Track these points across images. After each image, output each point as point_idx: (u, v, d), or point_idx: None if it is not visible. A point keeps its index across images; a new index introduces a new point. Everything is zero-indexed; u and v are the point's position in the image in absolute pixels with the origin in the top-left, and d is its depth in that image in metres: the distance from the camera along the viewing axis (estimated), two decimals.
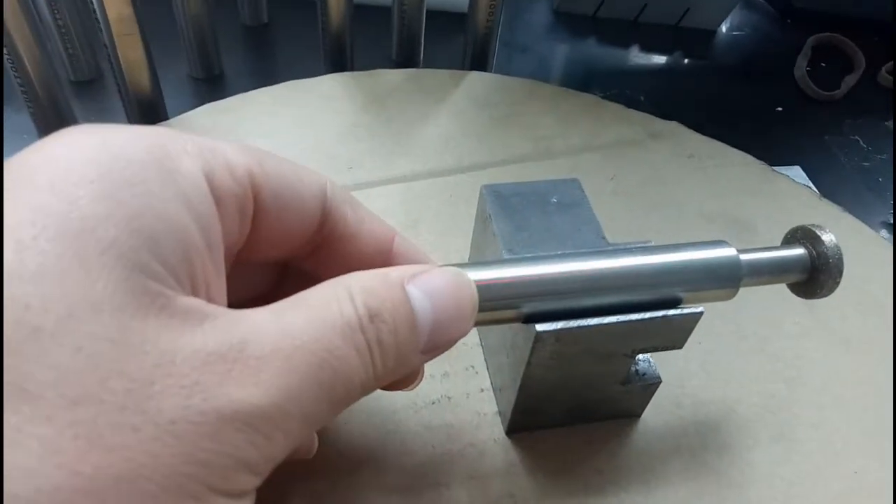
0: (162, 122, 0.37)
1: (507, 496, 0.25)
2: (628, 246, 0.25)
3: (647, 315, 0.22)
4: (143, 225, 0.14)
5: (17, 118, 0.40)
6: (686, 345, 0.29)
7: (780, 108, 0.48)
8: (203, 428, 0.14)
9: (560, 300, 0.22)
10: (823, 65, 0.52)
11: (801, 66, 0.51)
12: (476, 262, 0.23)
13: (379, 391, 0.27)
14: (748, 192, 0.38)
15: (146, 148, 0.16)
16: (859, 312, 0.33)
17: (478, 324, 0.23)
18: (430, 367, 0.29)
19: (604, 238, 0.26)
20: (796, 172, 0.41)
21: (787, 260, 0.25)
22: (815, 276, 0.25)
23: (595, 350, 0.23)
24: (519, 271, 0.22)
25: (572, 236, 0.26)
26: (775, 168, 0.40)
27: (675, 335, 0.24)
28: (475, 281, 0.22)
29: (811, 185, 0.41)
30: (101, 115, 0.41)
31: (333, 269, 0.20)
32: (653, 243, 0.25)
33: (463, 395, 0.28)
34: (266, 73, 0.47)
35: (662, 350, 0.24)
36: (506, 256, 0.25)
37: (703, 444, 0.27)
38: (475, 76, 0.43)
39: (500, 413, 0.27)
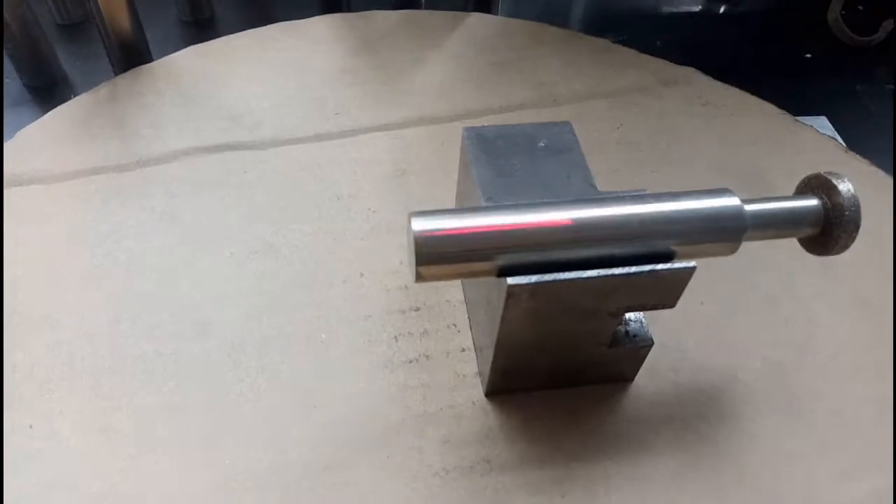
0: (143, 66, 0.36)
1: (482, 462, 0.24)
2: (618, 194, 0.22)
3: (633, 269, 0.20)
4: None
5: None
6: (686, 305, 0.27)
7: (808, 55, 0.44)
8: None
9: (537, 252, 0.20)
10: (861, 7, 0.48)
11: (835, 9, 0.47)
12: (447, 209, 0.21)
13: (355, 349, 0.26)
14: (767, 143, 0.35)
15: None
16: (881, 275, 0.30)
17: (447, 277, 0.21)
18: (408, 325, 0.27)
19: (594, 186, 0.23)
20: (822, 123, 0.38)
21: (798, 211, 0.22)
22: (828, 229, 0.22)
23: (575, 307, 0.21)
24: (492, 220, 0.20)
25: (559, 183, 0.23)
26: (798, 118, 0.37)
27: (664, 292, 0.21)
28: (443, 230, 0.20)
29: (837, 136, 0.37)
30: (86, 60, 0.40)
31: None
32: (648, 192, 0.23)
33: (443, 355, 0.26)
34: (260, 16, 0.45)
35: (652, 309, 0.22)
36: (484, 204, 0.23)
37: (699, 413, 0.25)
38: (476, 18, 0.40)
39: (480, 374, 0.26)
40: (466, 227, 0.20)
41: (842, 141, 0.37)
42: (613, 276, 0.20)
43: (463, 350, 0.26)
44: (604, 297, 0.21)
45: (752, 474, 0.24)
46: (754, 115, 0.37)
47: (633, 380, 0.26)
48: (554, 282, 0.20)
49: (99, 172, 0.31)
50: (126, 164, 0.31)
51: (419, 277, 0.20)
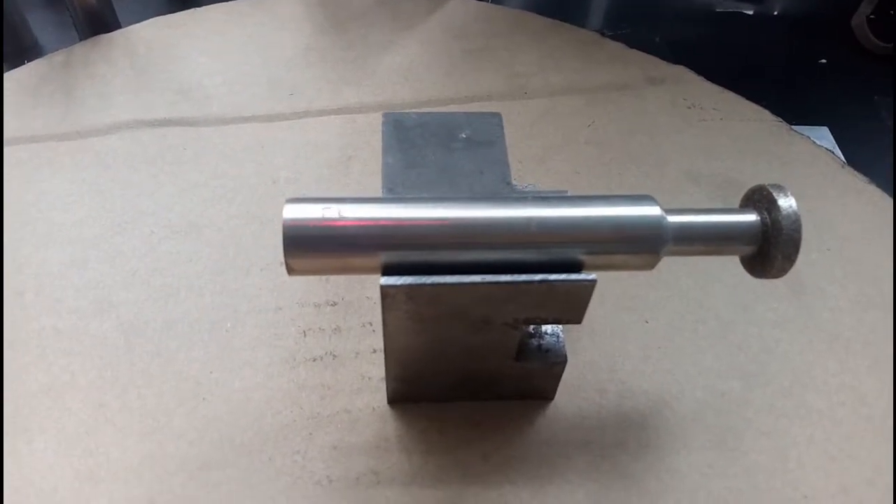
0: (103, 35, 0.35)
1: (370, 473, 0.22)
2: (527, 194, 0.20)
3: (521, 278, 0.18)
4: None
5: None
6: (629, 322, 0.25)
7: (823, 61, 0.41)
8: None
9: (417, 251, 0.18)
10: (893, 12, 0.44)
11: (862, 12, 0.43)
12: (328, 197, 0.19)
13: (259, 341, 0.25)
14: (754, 152, 0.32)
15: None
16: (857, 304, 0.27)
17: (322, 271, 0.19)
18: (320, 320, 0.25)
19: (509, 183, 0.21)
20: (821, 134, 0.35)
21: (732, 226, 0.20)
22: (765, 248, 0.20)
23: (464, 315, 0.19)
24: (370, 212, 0.18)
25: (470, 179, 0.21)
26: (795, 127, 0.33)
27: (564, 306, 0.19)
28: (316, 219, 0.18)
29: (836, 149, 0.34)
30: (57, 28, 0.39)
31: None
32: (569, 193, 0.20)
33: (351, 354, 0.25)
34: None
35: (555, 323, 0.20)
36: (383, 196, 0.21)
37: (620, 440, 0.23)
38: (458, 2, 0.38)
39: (385, 379, 0.24)
40: (341, 219, 0.18)
41: (840, 154, 0.33)
42: (499, 283, 0.18)
43: (374, 351, 0.25)
44: (494, 306, 0.19)
45: None
46: (746, 121, 0.34)
47: (553, 398, 0.24)
48: (432, 285, 0.18)
49: (37, 140, 0.30)
50: (66, 134, 0.31)
51: (290, 269, 0.18)
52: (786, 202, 0.19)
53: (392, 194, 0.21)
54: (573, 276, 0.18)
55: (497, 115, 0.23)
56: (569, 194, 0.20)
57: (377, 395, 0.24)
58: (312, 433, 0.23)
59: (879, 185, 0.31)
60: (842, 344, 0.26)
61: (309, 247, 0.18)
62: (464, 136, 0.23)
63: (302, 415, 0.23)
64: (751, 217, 0.20)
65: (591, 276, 0.18)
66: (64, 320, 0.25)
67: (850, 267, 0.28)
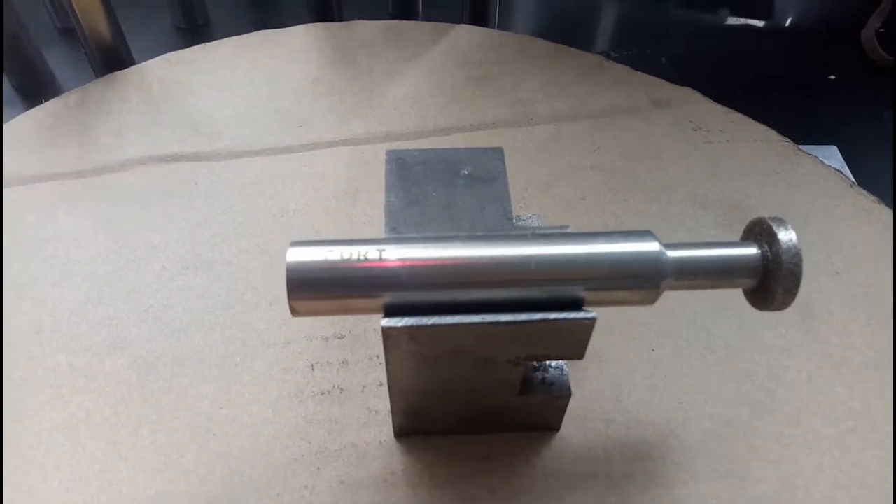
0: (117, 72, 0.36)
1: None
2: (528, 231, 0.20)
3: (521, 317, 0.18)
4: None
5: None
6: (635, 351, 0.25)
7: (832, 77, 0.41)
8: None
9: (417, 292, 0.19)
10: None
11: (872, 26, 0.43)
12: (332, 240, 0.19)
13: (267, 376, 0.25)
14: (761, 173, 0.32)
15: None
16: (868, 328, 0.27)
17: (325, 312, 0.19)
18: (328, 353, 0.26)
19: (510, 219, 0.21)
20: (830, 153, 0.35)
21: (732, 260, 0.20)
22: (766, 282, 0.20)
23: (468, 353, 0.20)
24: (375, 254, 0.19)
25: (471, 215, 0.22)
26: (803, 147, 0.33)
27: (564, 343, 0.19)
28: (318, 262, 0.18)
29: (846, 168, 0.34)
30: (74, 64, 0.40)
31: None
32: (570, 229, 0.21)
33: (358, 388, 0.25)
34: (255, 22, 0.44)
35: (556, 359, 0.20)
36: (385, 235, 0.21)
37: (626, 472, 0.23)
38: (462, 30, 0.39)
39: (391, 414, 0.24)
40: (343, 262, 0.19)
41: (849, 173, 0.33)
42: (499, 323, 0.18)
43: (381, 384, 0.25)
44: (496, 345, 0.19)
45: None
46: (752, 141, 0.34)
47: (559, 429, 0.24)
48: (434, 325, 0.18)
49: (55, 178, 0.31)
50: (82, 171, 0.31)
51: (294, 311, 0.19)
52: (786, 235, 0.19)
53: (394, 233, 0.21)
54: (573, 315, 0.18)
55: (499, 150, 0.24)
56: (569, 230, 0.20)
57: (384, 429, 0.24)
58: (320, 468, 0.23)
59: (888, 204, 0.31)
60: (851, 369, 0.25)
61: (312, 290, 0.19)
62: (466, 172, 0.23)
63: (310, 450, 0.23)
64: (751, 251, 0.20)
65: (592, 313, 0.19)
66: (79, 357, 0.25)
67: (859, 290, 0.28)
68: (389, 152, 0.23)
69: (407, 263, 0.19)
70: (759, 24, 0.45)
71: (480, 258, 0.19)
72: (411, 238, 0.19)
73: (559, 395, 0.22)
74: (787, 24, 0.45)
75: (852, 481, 0.23)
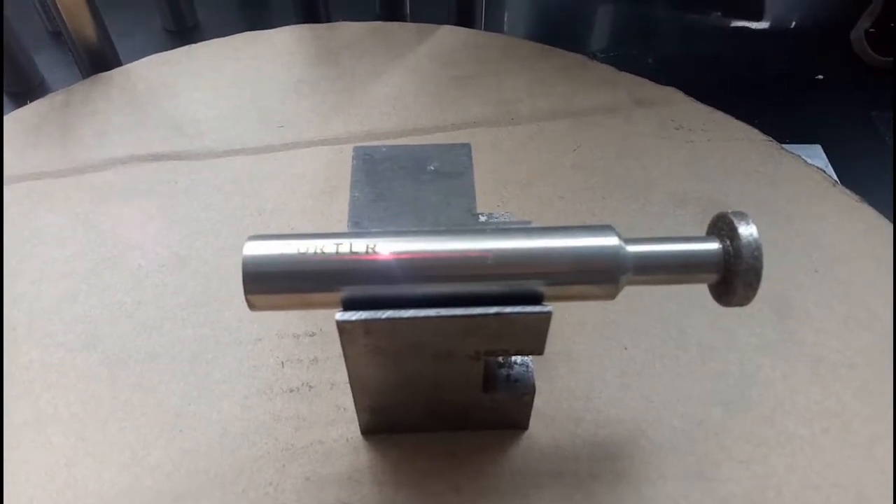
0: (102, 73, 0.36)
1: None
2: (488, 226, 0.20)
3: (476, 311, 0.18)
4: None
5: None
6: (606, 348, 0.25)
7: (820, 77, 0.40)
8: None
9: (373, 286, 0.19)
10: (893, 25, 0.43)
11: (861, 26, 0.43)
12: (289, 234, 0.19)
13: (237, 373, 0.25)
14: (742, 172, 0.32)
15: None
16: (846, 327, 0.26)
17: (283, 307, 0.19)
18: (299, 350, 0.26)
19: (474, 214, 0.21)
20: (814, 152, 0.34)
21: (692, 255, 0.20)
22: (728, 277, 0.19)
23: (426, 348, 0.19)
24: (332, 248, 0.19)
25: (436, 211, 0.21)
26: (787, 146, 0.33)
27: (522, 337, 0.19)
28: (274, 255, 0.18)
29: (829, 168, 0.34)
30: (64, 66, 0.41)
31: None
32: (533, 225, 0.20)
33: (327, 386, 0.25)
34: (245, 25, 0.45)
35: (517, 354, 0.20)
36: (348, 230, 0.21)
37: (594, 471, 0.23)
38: (446, 31, 0.39)
39: (356, 411, 0.24)
40: (299, 255, 0.19)
41: (832, 172, 0.33)
42: (455, 316, 0.18)
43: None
44: (453, 339, 0.19)
45: None
46: (735, 141, 0.33)
47: (527, 427, 0.24)
48: (388, 319, 0.18)
49: (37, 178, 0.31)
50: (64, 171, 0.32)
51: (251, 305, 0.19)
52: (746, 230, 0.19)
53: (357, 228, 0.21)
54: (528, 309, 0.18)
55: (466, 146, 0.24)
56: (532, 225, 0.20)
57: (351, 426, 0.24)
58: (286, 465, 0.23)
59: (872, 204, 0.31)
60: (826, 368, 0.25)
61: (268, 284, 0.18)
62: (432, 167, 0.23)
63: (276, 446, 0.23)
64: (712, 245, 0.20)
65: (547, 307, 0.18)
66: (52, 354, 0.25)
67: (839, 288, 0.28)
68: (357, 148, 0.23)
69: (363, 257, 0.19)
70: (748, 24, 0.45)
71: (437, 252, 0.19)
72: (370, 232, 0.19)
73: (524, 391, 0.22)
74: (776, 25, 0.45)
75: (825, 481, 0.22)
